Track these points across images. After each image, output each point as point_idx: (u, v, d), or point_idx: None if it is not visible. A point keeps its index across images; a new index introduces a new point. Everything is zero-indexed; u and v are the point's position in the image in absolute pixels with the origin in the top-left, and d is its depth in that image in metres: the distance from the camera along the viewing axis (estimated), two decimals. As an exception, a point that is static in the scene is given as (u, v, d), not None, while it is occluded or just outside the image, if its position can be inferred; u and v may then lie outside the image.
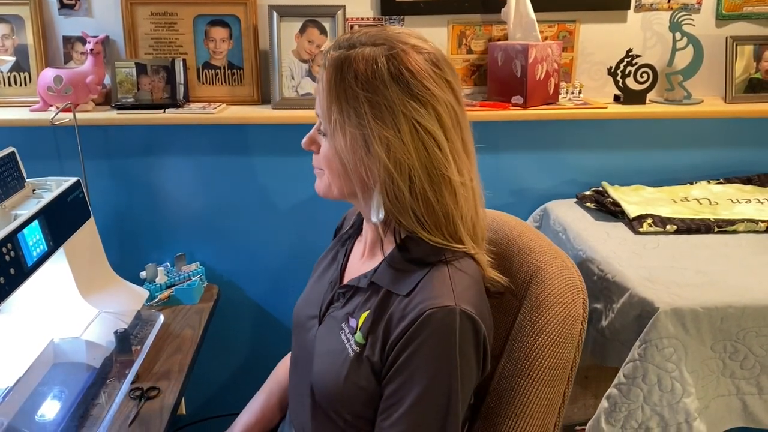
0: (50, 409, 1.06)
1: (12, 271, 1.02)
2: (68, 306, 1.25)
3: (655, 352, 1.10)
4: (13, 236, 1.04)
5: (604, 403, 1.14)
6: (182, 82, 1.60)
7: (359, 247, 0.98)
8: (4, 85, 1.59)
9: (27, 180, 1.27)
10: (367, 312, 0.86)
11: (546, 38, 1.67)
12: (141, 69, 1.58)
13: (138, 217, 1.62)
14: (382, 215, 0.85)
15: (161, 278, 1.51)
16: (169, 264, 1.59)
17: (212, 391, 1.80)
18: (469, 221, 0.87)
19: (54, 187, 1.28)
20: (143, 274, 1.53)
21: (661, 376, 1.10)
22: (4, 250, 1.01)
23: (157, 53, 1.62)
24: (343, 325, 0.89)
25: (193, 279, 1.54)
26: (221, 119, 1.52)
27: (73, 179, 1.30)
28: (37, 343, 1.17)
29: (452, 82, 0.84)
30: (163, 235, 1.64)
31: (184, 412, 1.78)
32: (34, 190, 1.26)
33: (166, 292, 1.49)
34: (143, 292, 1.40)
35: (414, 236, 0.85)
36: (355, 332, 0.86)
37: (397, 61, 0.80)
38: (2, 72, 1.58)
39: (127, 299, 1.35)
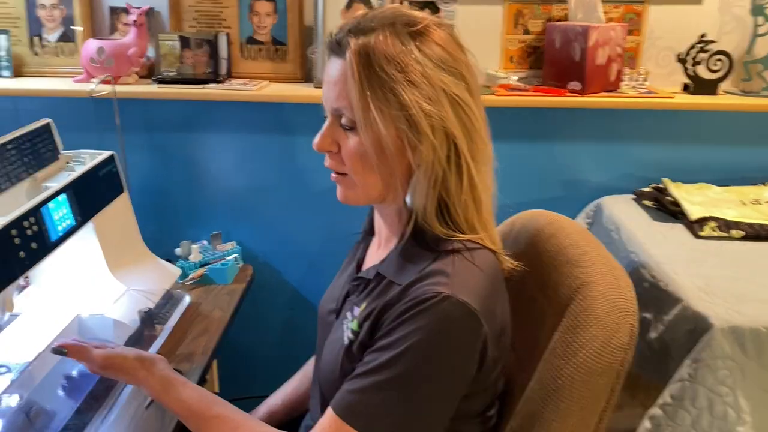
0: (72, 385, 1.05)
1: (34, 245, 1.00)
2: (96, 281, 1.23)
3: (708, 373, 1.00)
4: (36, 210, 1.02)
5: (646, 424, 1.05)
6: (225, 57, 1.56)
7: (376, 239, 0.95)
8: (52, 54, 1.59)
9: (62, 152, 1.26)
10: (367, 301, 0.83)
11: (610, 20, 1.55)
12: (184, 42, 1.55)
13: (176, 193, 1.60)
14: (422, 198, 0.80)
15: (195, 256, 1.50)
16: (205, 242, 1.57)
17: (246, 372, 1.78)
18: (490, 205, 0.84)
19: (88, 160, 1.27)
20: (178, 251, 1.52)
21: (712, 400, 1.00)
22: (26, 224, 0.99)
23: (201, 26, 1.58)
24: (347, 314, 0.86)
25: (228, 259, 1.52)
26: (260, 97, 1.47)
27: (107, 153, 1.28)
28: (62, 318, 1.16)
29: (464, 48, 0.82)
30: (200, 212, 1.62)
31: (217, 390, 1.78)
32: (67, 162, 1.25)
33: (199, 271, 1.47)
34: (175, 271, 1.38)
35: (425, 226, 0.80)
36: (353, 321, 0.83)
37: (422, 37, 0.78)
38: (50, 42, 1.58)
39: (157, 277, 1.34)
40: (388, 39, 0.77)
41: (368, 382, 0.75)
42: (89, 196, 1.19)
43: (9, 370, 1.01)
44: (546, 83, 1.56)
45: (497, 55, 1.61)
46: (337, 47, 0.79)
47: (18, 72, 1.58)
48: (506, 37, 1.59)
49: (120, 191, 1.31)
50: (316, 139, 0.83)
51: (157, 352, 1.16)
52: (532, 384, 0.88)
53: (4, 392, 0.98)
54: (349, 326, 0.84)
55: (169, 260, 1.47)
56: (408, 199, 0.81)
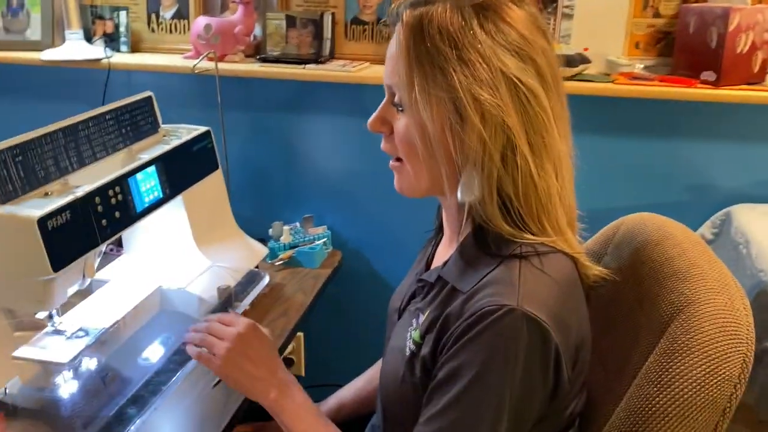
0: (154, 353, 1.07)
1: (117, 214, 1.02)
2: (182, 255, 1.25)
3: None
4: (122, 180, 1.04)
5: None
6: (329, 37, 1.53)
7: (445, 236, 0.86)
8: (166, 31, 1.64)
9: (162, 126, 1.29)
10: (430, 309, 0.76)
11: (759, 1, 1.35)
12: (290, 21, 1.53)
13: (272, 173, 1.60)
14: (476, 193, 0.71)
15: (286, 237, 1.48)
16: (298, 224, 1.56)
17: (330, 359, 1.76)
18: (567, 204, 0.73)
19: (184, 134, 1.28)
20: (271, 231, 1.51)
21: None
22: (111, 192, 1.01)
23: (308, 5, 1.56)
24: (412, 320, 0.79)
25: (317, 243, 1.49)
26: (358, 78, 1.43)
27: (203, 128, 1.29)
28: (145, 288, 1.18)
29: (546, 32, 0.72)
30: (295, 194, 1.61)
31: (303, 374, 1.77)
32: (164, 135, 1.27)
33: (288, 253, 1.46)
34: (261, 250, 1.38)
35: (487, 224, 0.71)
36: (416, 329, 0.76)
37: (490, 14, 0.68)
38: (165, 19, 1.63)
39: (243, 255, 1.33)
40: (447, 12, 0.68)
41: (441, 425, 0.68)
42: (180, 170, 1.20)
43: (87, 334, 1.03)
44: (675, 73, 1.39)
45: (621, 40, 1.45)
46: (395, 18, 0.73)
47: (135, 47, 1.65)
48: (633, 20, 1.43)
49: (214, 168, 1.31)
50: (369, 119, 0.76)
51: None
52: (619, 411, 0.76)
53: (81, 355, 1.01)
54: (411, 335, 0.78)
55: (262, 240, 1.46)
56: (459, 195, 0.72)
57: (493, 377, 0.65)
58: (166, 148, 1.18)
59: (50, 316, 1.01)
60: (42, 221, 0.87)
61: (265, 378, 0.87)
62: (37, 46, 1.62)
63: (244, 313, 1.21)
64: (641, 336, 0.80)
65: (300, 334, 1.73)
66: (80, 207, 0.94)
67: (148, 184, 1.10)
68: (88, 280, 1.01)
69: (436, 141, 0.71)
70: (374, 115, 0.78)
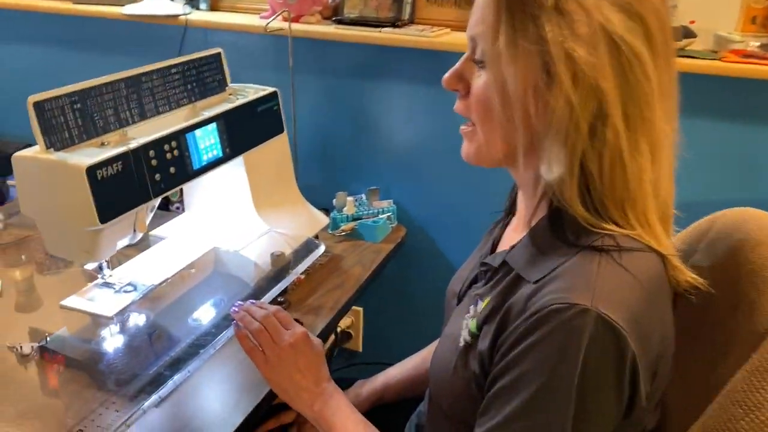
0: (202, 315, 1.04)
1: (172, 169, 0.99)
2: (240, 217, 1.21)
3: None
4: (180, 134, 1.01)
5: None
6: (409, 0, 1.45)
7: (516, 218, 0.78)
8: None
9: (230, 84, 1.25)
10: (491, 296, 0.67)
11: None
12: (371, -17, 1.46)
13: (340, 140, 1.54)
14: (555, 169, 0.61)
15: (350, 209, 1.43)
16: (363, 196, 1.50)
17: (388, 336, 1.70)
18: (661, 197, 0.63)
19: (251, 94, 1.24)
20: (335, 201, 1.46)
21: None
22: (167, 147, 0.98)
23: (390, -34, 1.48)
24: (470, 307, 0.71)
25: (381, 216, 1.43)
26: (438, 45, 1.34)
27: (270, 89, 1.25)
28: (200, 248, 1.16)
29: None
30: (363, 164, 1.54)
31: (360, 350, 1.73)
32: (230, 94, 1.23)
33: (350, 225, 1.40)
34: (322, 219, 1.33)
35: (564, 207, 0.62)
36: (473, 318, 0.69)
37: None
38: (246, -23, 1.59)
39: (303, 223, 1.29)
40: None
41: None
42: (244, 130, 1.16)
43: (135, 289, 1.02)
44: (798, 53, 1.22)
45: (735, 14, 1.29)
46: None
47: (214, 6, 1.63)
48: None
49: (279, 131, 1.27)
50: (445, 74, 0.68)
51: (288, 300, 1.12)
52: (694, 429, 0.66)
53: (129, 311, 0.99)
54: (468, 325, 0.70)
55: (325, 210, 1.42)
56: (537, 169, 0.63)
57: (560, 388, 0.57)
58: (230, 106, 1.14)
59: (100, 268, 1.00)
60: (91, 170, 0.85)
61: (310, 389, 0.85)
62: (119, 1, 1.62)
63: (297, 281, 1.17)
64: (730, 348, 0.69)
65: (359, 308, 1.69)
66: (133, 159, 0.92)
67: (207, 142, 1.07)
68: (139, 235, 0.99)
69: (516, 102, 0.62)
70: (451, 70, 0.69)
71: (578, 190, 0.61)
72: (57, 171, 0.85)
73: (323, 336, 1.10)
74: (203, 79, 1.18)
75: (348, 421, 0.82)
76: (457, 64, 0.69)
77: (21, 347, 0.85)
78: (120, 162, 0.89)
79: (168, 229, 1.23)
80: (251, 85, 1.27)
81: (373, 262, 1.32)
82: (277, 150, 1.27)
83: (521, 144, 0.64)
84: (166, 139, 0.98)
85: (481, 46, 0.64)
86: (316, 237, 1.28)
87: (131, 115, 1.02)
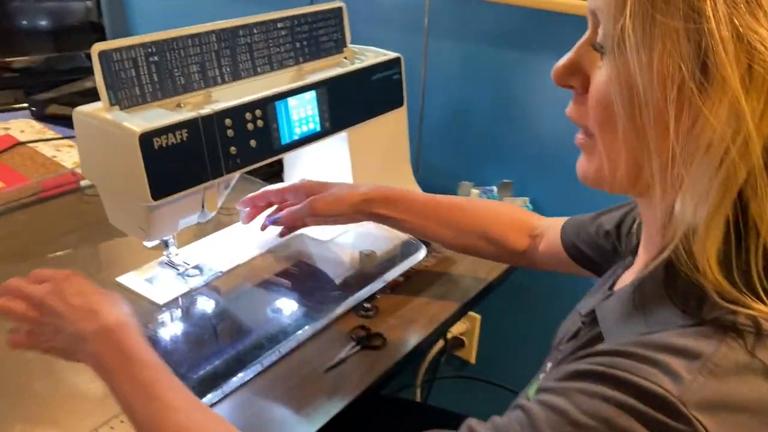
0: (271, 311, 0.91)
1: (253, 143, 0.84)
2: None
3: None
4: (268, 102, 0.85)
5: None
6: (581, -44, 1.17)
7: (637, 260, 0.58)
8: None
9: (349, 45, 1.08)
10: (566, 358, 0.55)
11: None
12: (536, -67, 1.20)
13: (474, 119, 1.31)
14: (701, 213, 0.41)
15: (474, 203, 1.21)
16: (494, 189, 1.27)
17: (504, 356, 1.48)
18: None
19: (370, 59, 1.06)
20: (458, 191, 1.25)
21: None
22: (249, 116, 0.83)
23: None
24: (540, 373, 0.63)
25: (511, 217, 1.20)
26: (606, 12, 1.06)
27: (392, 55, 1.06)
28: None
29: None
30: (497, 151, 1.31)
31: (473, 361, 1.52)
32: (345, 57, 1.06)
33: (472, 222, 1.19)
34: (437, 214, 1.13)
35: (694, 261, 0.43)
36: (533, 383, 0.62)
37: None
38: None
39: (413, 215, 1.10)
40: None
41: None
42: (351, 101, 0.99)
43: (201, 273, 0.89)
44: None
45: None
46: None
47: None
48: None
49: (397, 104, 1.08)
50: (556, 64, 0.49)
51: (368, 304, 0.94)
52: None
53: (194, 295, 0.87)
54: (527, 392, 0.61)
55: None
56: (678, 207, 0.42)
57: None
58: (339, 71, 0.97)
59: (166, 245, 0.89)
60: (147, 137, 0.72)
61: (78, 331, 0.61)
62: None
63: (394, 283, 0.99)
64: None
65: (477, 315, 1.48)
66: (203, 128, 0.78)
67: (302, 112, 0.91)
68: (210, 214, 0.86)
69: (649, 107, 0.41)
70: (564, 57, 0.50)
71: (721, 245, 0.41)
72: (111, 133, 0.74)
73: (408, 359, 0.91)
74: (317, 37, 1.02)
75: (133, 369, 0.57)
76: (572, 51, 0.48)
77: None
78: (186, 129, 0.76)
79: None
80: (373, 48, 1.08)
81: (490, 272, 1.10)
82: (390, 126, 1.08)
83: (654, 166, 0.43)
84: (250, 106, 0.83)
85: (603, 23, 0.44)
86: (427, 233, 1.09)
87: (221, 74, 0.88)
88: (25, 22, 1.80)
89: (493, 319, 1.46)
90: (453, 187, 1.26)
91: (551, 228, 0.88)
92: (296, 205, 0.89)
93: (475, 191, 1.20)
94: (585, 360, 0.45)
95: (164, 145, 0.74)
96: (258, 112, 0.84)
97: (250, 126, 0.83)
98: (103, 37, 1.82)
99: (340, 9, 1.05)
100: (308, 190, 0.90)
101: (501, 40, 1.21)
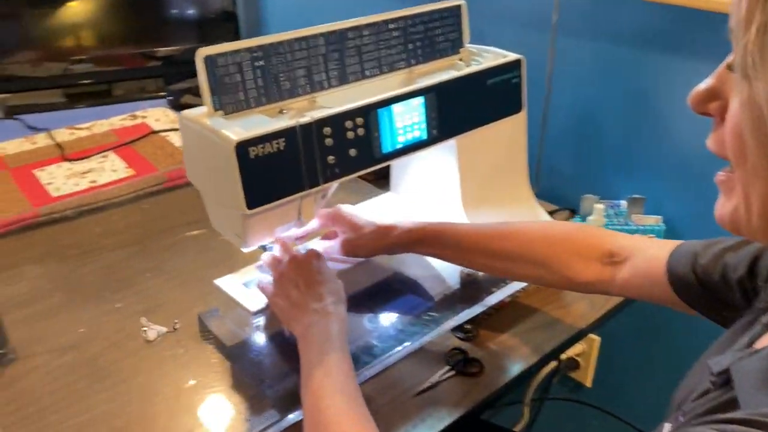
0: (359, 326, 0.87)
1: (352, 152, 0.80)
2: (442, 213, 1.00)
3: None
4: (368, 111, 0.81)
5: None
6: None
7: None
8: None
9: (466, 45, 1.01)
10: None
11: None
12: None
13: (605, 127, 1.19)
14: None
15: (597, 218, 1.10)
16: (623, 203, 1.15)
17: (626, 380, 1.35)
18: None
19: (489, 61, 0.99)
20: (581, 205, 1.15)
21: None
22: (349, 124, 0.80)
23: None
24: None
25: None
26: None
27: (513, 56, 0.98)
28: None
29: None
30: (630, 162, 1.18)
31: (588, 385, 1.41)
32: (460, 59, 0.99)
33: (593, 240, 1.08)
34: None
35: None
36: None
37: None
38: None
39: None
40: None
41: None
42: (463, 106, 0.92)
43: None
44: None
45: None
46: None
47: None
48: None
49: (515, 109, 1.00)
50: (694, 89, 0.43)
51: (469, 325, 0.88)
52: None
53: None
54: None
55: (571, 211, 1.12)
56: None
57: None
58: (452, 75, 0.91)
59: (264, 248, 0.88)
60: (242, 147, 0.71)
61: (303, 305, 0.75)
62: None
63: (500, 304, 0.92)
64: None
65: (596, 337, 1.37)
66: (301, 136, 0.75)
67: (408, 119, 0.86)
68: (307, 223, 0.84)
69: None
70: (703, 83, 0.43)
71: None
72: (210, 140, 0.73)
73: (507, 388, 0.85)
74: (432, 37, 0.96)
75: (330, 357, 0.68)
76: (712, 75, 0.41)
77: (146, 331, 0.77)
78: (283, 138, 0.74)
79: (362, 208, 1.07)
80: (492, 48, 1.01)
81: (610, 299, 1.00)
82: (507, 133, 1.00)
83: None
84: (350, 114, 0.80)
85: (733, 41, 0.38)
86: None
87: (327, 78, 0.86)
88: (174, 11, 1.89)
89: (614, 342, 1.34)
90: (576, 199, 1.15)
91: (639, 252, 0.75)
92: (332, 243, 0.93)
93: (599, 206, 1.10)
94: (715, 426, 0.39)
95: (260, 154, 0.72)
96: (359, 120, 0.80)
97: (350, 134, 0.80)
98: (236, 28, 1.87)
99: (459, 7, 0.99)
100: (336, 219, 0.93)
101: (642, 41, 1.09)
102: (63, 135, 1.55)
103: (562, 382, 1.43)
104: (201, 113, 0.76)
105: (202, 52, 0.74)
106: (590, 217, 1.10)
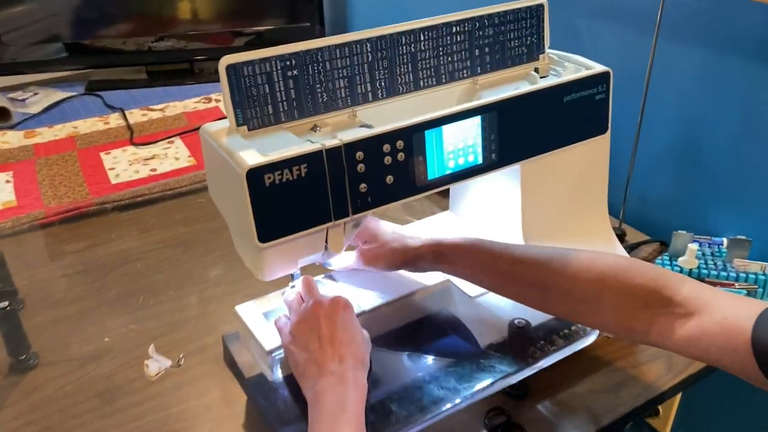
0: (415, 367, 0.78)
1: (389, 179, 0.70)
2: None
3: None
4: (411, 133, 0.70)
5: None
6: None
7: None
8: None
9: (547, 50, 0.87)
10: None
11: None
12: None
13: (704, 151, 1.00)
14: None
15: (689, 260, 0.94)
16: (722, 244, 0.98)
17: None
18: None
19: (569, 72, 0.84)
20: (672, 241, 0.99)
21: None
22: (386, 147, 0.69)
23: None
24: None
25: (739, 286, 0.91)
26: None
27: (598, 68, 0.83)
28: (433, 275, 0.86)
29: None
30: (732, 194, 0.99)
31: (667, 433, 1.25)
32: (535, 69, 0.85)
33: (682, 285, 0.92)
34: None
35: None
36: None
37: None
38: None
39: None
40: None
41: None
42: (532, 128, 0.79)
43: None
44: None
45: None
46: None
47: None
48: None
49: (598, 130, 0.85)
50: None
51: (514, 384, 0.76)
52: None
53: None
54: None
55: (661, 243, 0.96)
56: None
57: None
58: (521, 91, 0.77)
59: (293, 276, 0.80)
60: (255, 174, 0.62)
61: (321, 363, 0.65)
62: None
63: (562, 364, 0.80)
64: None
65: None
66: (328, 162, 0.66)
67: (461, 141, 0.74)
68: (335, 255, 0.75)
69: None
70: None
71: None
72: (225, 160, 0.65)
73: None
74: (503, 42, 0.83)
75: (342, 419, 0.60)
76: None
77: (147, 365, 0.71)
78: (305, 164, 0.64)
79: (420, 226, 0.97)
80: (574, 56, 0.86)
81: (692, 362, 0.84)
82: (584, 158, 0.86)
83: None
84: (388, 136, 0.69)
85: None
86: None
87: (372, 90, 0.75)
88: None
89: (699, 392, 1.17)
90: (667, 231, 0.99)
91: (710, 309, 0.59)
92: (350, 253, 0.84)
93: (693, 246, 0.93)
94: None
95: (277, 181, 0.63)
96: (399, 144, 0.70)
97: (387, 159, 0.69)
98: (320, 6, 1.78)
99: (540, 7, 0.84)
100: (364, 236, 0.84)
101: (765, 51, 0.90)
102: (136, 116, 1.54)
103: (638, 427, 1.27)
104: (221, 128, 0.68)
105: (225, 61, 0.65)
106: (682, 258, 0.94)
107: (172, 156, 1.35)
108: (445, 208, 1.00)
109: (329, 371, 0.64)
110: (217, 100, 1.62)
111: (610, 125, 0.85)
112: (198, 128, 1.44)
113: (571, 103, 0.81)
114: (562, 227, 0.87)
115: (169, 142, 1.41)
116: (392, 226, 0.85)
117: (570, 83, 0.80)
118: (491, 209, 0.91)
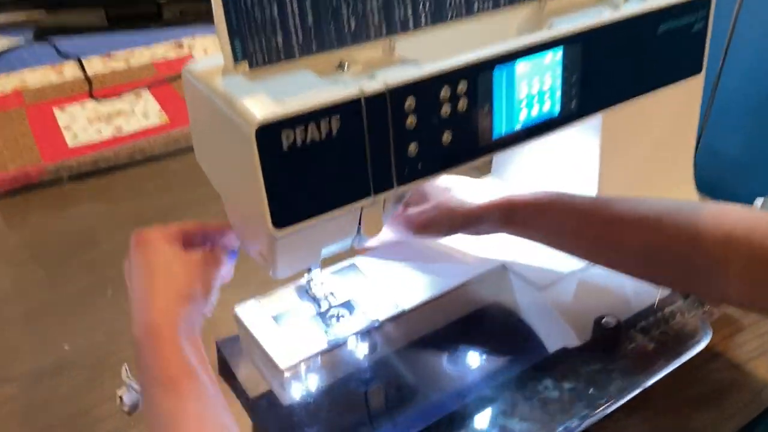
0: (445, 377, 0.61)
1: (446, 136, 0.51)
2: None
3: None
4: (475, 72, 0.51)
5: None
6: None
7: None
8: None
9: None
10: None
11: None
12: None
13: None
14: None
15: (784, 230, 0.77)
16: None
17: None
18: None
19: (657, -5, 0.65)
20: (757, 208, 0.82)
21: None
22: (445, 92, 0.50)
23: None
24: None
25: None
26: None
27: (698, -10, 0.64)
28: (484, 262, 0.68)
29: None
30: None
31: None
32: (616, -10, 0.66)
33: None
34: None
35: None
36: None
37: None
38: None
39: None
40: None
41: None
42: (623, 66, 0.60)
43: (351, 313, 0.61)
44: None
45: None
46: None
47: None
48: None
49: (694, 70, 0.67)
50: None
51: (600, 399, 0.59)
52: None
53: (336, 350, 0.60)
54: None
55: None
56: None
57: None
58: (605, 18, 0.58)
59: (309, 270, 0.61)
60: (268, 134, 0.42)
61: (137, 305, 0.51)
62: None
63: (641, 350, 0.63)
64: None
65: None
66: (367, 114, 0.46)
67: (536, 86, 0.55)
68: (367, 239, 0.56)
69: None
70: None
71: None
72: (222, 113, 0.45)
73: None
74: (574, -45, 0.64)
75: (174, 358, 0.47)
76: None
77: (121, 398, 0.53)
78: (338, 116, 0.45)
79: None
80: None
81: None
82: (673, 104, 0.68)
83: None
84: (449, 76, 0.50)
85: None
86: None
87: (414, 14, 0.55)
88: None
89: None
90: (744, 196, 0.82)
91: None
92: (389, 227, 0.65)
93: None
94: None
95: (300, 142, 0.44)
96: (461, 87, 0.50)
97: (444, 110, 0.50)
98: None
99: None
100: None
101: None
102: (96, 65, 1.31)
103: None
104: (214, 67, 0.48)
105: (216, -30, 0.45)
106: None
107: (140, 112, 1.14)
108: (486, 172, 0.81)
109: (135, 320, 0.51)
110: (191, 46, 1.40)
111: (704, 65, 0.67)
112: (170, 78, 1.23)
113: (666, 34, 0.62)
114: (644, 188, 0.70)
115: (136, 96, 1.19)
116: (441, 180, 0.66)
117: (668, 8, 0.61)
118: (551, 173, 0.72)
